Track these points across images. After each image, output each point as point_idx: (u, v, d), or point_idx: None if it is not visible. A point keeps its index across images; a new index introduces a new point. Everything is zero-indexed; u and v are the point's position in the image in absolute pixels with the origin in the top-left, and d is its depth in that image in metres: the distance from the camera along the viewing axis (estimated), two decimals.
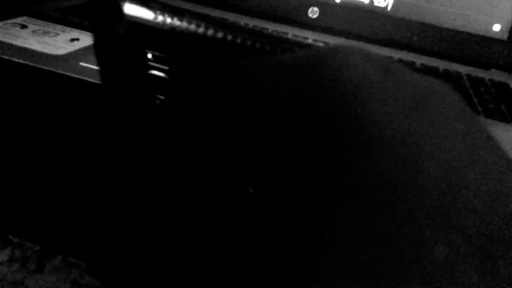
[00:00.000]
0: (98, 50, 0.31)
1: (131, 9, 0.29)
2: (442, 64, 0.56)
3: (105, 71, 0.35)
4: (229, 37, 0.27)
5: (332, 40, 0.53)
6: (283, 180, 0.14)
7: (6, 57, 0.39)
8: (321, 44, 0.32)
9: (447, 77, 0.52)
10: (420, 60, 0.56)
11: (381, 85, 0.13)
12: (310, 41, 0.40)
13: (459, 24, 0.57)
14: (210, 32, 0.27)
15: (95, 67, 0.40)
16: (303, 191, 0.13)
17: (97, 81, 0.38)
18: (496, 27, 0.57)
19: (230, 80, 0.20)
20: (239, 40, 0.27)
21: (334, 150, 0.12)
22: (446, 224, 0.10)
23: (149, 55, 0.31)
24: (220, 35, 0.27)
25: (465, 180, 0.11)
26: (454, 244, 0.10)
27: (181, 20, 0.27)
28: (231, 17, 0.57)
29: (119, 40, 0.30)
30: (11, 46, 0.41)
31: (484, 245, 0.10)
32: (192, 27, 0.27)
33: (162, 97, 0.34)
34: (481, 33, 0.57)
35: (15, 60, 0.39)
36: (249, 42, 0.28)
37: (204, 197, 0.20)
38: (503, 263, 0.10)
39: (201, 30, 0.27)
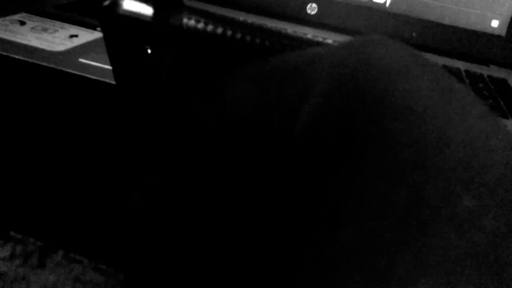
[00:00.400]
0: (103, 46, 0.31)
1: (129, 5, 0.29)
2: (440, 60, 0.56)
3: (107, 67, 0.35)
4: (229, 33, 0.27)
5: (331, 37, 0.53)
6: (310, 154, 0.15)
7: (5, 54, 0.39)
8: (320, 39, 0.32)
9: None
10: None
11: (414, 71, 0.14)
12: (310, 36, 0.40)
13: (458, 20, 0.57)
14: (210, 27, 0.27)
15: (95, 64, 0.40)
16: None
17: (97, 78, 0.38)
18: (494, 23, 0.57)
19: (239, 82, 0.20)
20: (239, 36, 0.27)
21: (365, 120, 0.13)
22: (473, 180, 0.11)
23: (148, 51, 0.31)
24: (219, 30, 0.27)
25: (489, 147, 0.12)
26: (481, 196, 0.11)
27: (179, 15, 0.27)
28: (228, 13, 0.56)
29: (120, 36, 0.30)
30: (9, 43, 0.41)
31: (509, 200, 0.11)
32: (192, 22, 0.27)
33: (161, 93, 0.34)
34: (480, 29, 0.57)
35: (14, 56, 0.39)
36: (248, 38, 0.28)
37: (204, 194, 0.20)
38: None
39: (200, 25, 0.27)
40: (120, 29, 0.30)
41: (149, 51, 0.31)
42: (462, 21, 0.57)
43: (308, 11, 0.54)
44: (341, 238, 0.12)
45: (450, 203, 0.11)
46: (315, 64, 0.16)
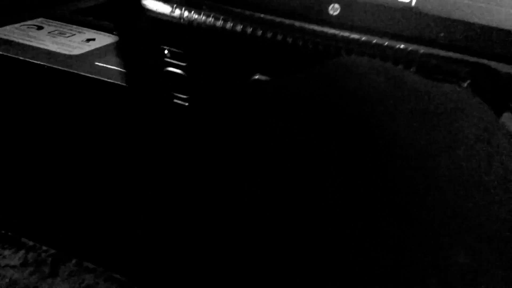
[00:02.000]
0: (120, 48, 0.30)
1: (149, 3, 0.28)
2: (471, 60, 0.54)
3: (124, 70, 0.34)
4: (249, 30, 0.25)
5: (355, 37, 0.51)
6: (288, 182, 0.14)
7: (22, 58, 0.38)
8: (341, 35, 0.30)
9: (473, 72, 0.50)
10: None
11: (390, 96, 0.13)
12: (332, 31, 0.39)
13: (487, 19, 0.55)
14: (229, 25, 0.25)
15: (111, 67, 0.39)
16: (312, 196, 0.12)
17: (113, 80, 0.37)
18: None
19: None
20: (259, 33, 0.26)
21: (345, 156, 0.12)
22: (465, 229, 0.10)
23: (166, 52, 0.30)
24: (239, 28, 0.25)
25: (483, 185, 0.10)
26: (476, 250, 0.09)
27: (199, 13, 0.26)
28: None
29: (139, 36, 0.29)
30: (27, 47, 0.41)
31: (508, 250, 0.09)
32: (210, 20, 0.25)
33: (179, 95, 0.32)
34: (510, 27, 0.55)
35: (32, 60, 0.38)
36: (269, 35, 0.26)
37: (204, 190, 0.20)
38: None
39: (219, 23, 0.26)
40: (137, 28, 0.29)
41: (166, 51, 0.30)
42: (493, 20, 0.55)
43: (330, 12, 0.53)
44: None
45: (440, 262, 0.09)
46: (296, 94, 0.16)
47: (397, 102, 0.12)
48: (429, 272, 0.09)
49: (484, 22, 0.55)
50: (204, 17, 0.26)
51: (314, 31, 0.28)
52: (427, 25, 0.55)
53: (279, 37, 0.26)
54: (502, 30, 0.55)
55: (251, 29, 0.25)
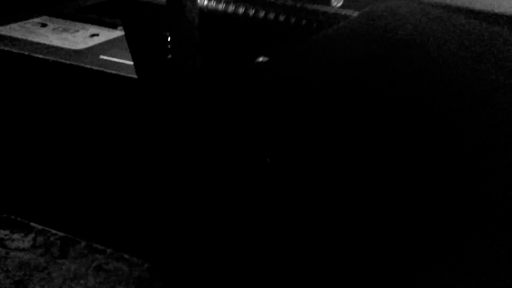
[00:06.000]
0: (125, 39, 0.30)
1: None
2: None
3: (128, 62, 0.34)
4: (251, 12, 0.26)
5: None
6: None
7: (27, 53, 0.39)
8: (344, 13, 0.30)
9: None
10: None
11: (442, 32, 0.13)
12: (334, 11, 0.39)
13: (489, 5, 0.55)
14: (231, 8, 0.25)
15: (115, 59, 0.39)
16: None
17: (117, 72, 0.37)
18: None
19: None
20: (261, 14, 0.26)
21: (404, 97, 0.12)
22: None
23: (169, 38, 0.30)
24: (241, 10, 0.26)
25: None
26: None
27: None
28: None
29: (140, 23, 0.29)
30: (32, 43, 0.41)
31: None
32: (212, 4, 0.26)
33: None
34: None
35: (37, 55, 0.39)
36: (272, 16, 0.26)
37: (222, 168, 0.20)
38: None
39: (221, 6, 0.26)
40: (139, 15, 0.29)
41: (169, 38, 0.30)
42: (494, 6, 0.55)
43: (334, 3, 0.52)
44: None
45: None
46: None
47: (443, 38, 0.12)
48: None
49: (485, 8, 0.55)
50: (206, 1, 0.26)
51: (315, 11, 0.28)
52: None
53: (282, 17, 0.26)
54: (501, 15, 0.55)
55: (253, 10, 0.25)
